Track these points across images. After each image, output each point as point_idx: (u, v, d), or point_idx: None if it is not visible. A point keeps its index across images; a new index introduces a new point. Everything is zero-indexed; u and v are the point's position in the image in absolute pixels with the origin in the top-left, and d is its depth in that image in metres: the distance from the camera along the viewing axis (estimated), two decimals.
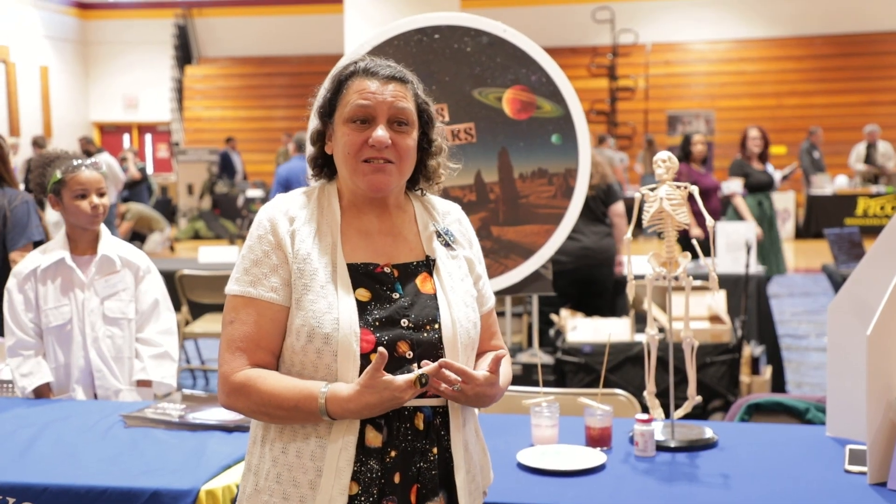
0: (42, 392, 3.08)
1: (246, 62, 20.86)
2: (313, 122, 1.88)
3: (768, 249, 7.65)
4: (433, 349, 1.74)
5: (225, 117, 20.20)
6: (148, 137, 21.88)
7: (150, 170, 19.57)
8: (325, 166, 1.88)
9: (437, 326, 1.75)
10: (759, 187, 7.71)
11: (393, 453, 1.70)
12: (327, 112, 1.83)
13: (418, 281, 1.79)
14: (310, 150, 1.90)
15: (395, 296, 1.75)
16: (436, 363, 1.67)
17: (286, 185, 8.86)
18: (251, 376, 1.71)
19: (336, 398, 1.65)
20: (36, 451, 2.46)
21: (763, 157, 7.74)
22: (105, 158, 12.30)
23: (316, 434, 1.70)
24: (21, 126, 18.30)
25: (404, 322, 1.73)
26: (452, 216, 1.93)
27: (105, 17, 21.48)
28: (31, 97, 19.11)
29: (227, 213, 15.22)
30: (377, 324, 1.72)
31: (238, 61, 20.96)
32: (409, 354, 1.72)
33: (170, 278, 6.02)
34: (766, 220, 7.70)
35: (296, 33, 20.21)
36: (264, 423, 1.77)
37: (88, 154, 12.96)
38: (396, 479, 1.71)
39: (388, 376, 1.63)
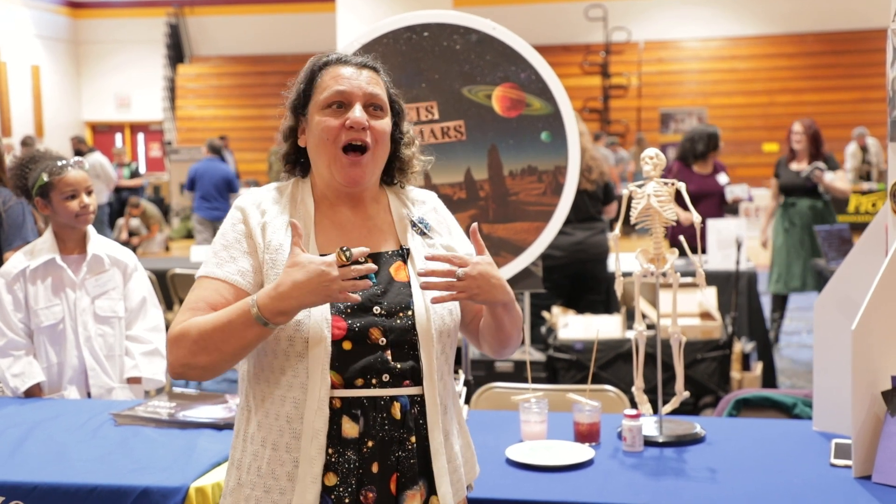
0: (33, 392, 3.07)
1: (238, 61, 20.83)
2: (286, 120, 1.89)
3: (785, 261, 6.86)
4: (406, 335, 1.75)
5: (217, 116, 20.17)
6: (140, 137, 21.85)
7: (142, 169, 19.55)
8: (297, 162, 1.89)
9: (409, 313, 1.76)
10: (785, 190, 6.84)
11: (370, 443, 1.71)
12: (301, 105, 1.85)
13: (392, 269, 1.80)
14: (282, 146, 1.90)
15: (368, 284, 1.76)
16: (363, 250, 1.65)
17: (192, 182, 10.28)
18: (190, 319, 1.70)
19: (264, 293, 1.64)
20: (25, 450, 2.46)
21: (816, 155, 6.73)
22: (97, 158, 12.28)
23: (290, 427, 1.71)
24: (13, 126, 18.26)
25: (376, 309, 1.74)
26: (428, 205, 1.94)
27: (97, 16, 21.43)
28: (23, 97, 19.06)
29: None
30: (349, 310, 1.72)
31: (230, 60, 20.93)
32: (382, 341, 1.73)
33: (162, 277, 6.04)
34: (791, 228, 6.82)
35: (288, 32, 20.19)
36: (246, 417, 1.78)
37: (80, 154, 12.95)
38: (374, 468, 1.71)
39: (310, 255, 1.64)
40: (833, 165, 6.69)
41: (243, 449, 1.77)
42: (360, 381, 1.71)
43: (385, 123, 1.81)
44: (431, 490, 1.76)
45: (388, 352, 1.73)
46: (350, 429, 1.70)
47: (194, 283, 1.79)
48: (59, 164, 3.15)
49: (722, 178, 6.51)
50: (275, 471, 1.72)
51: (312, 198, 1.84)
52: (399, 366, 1.73)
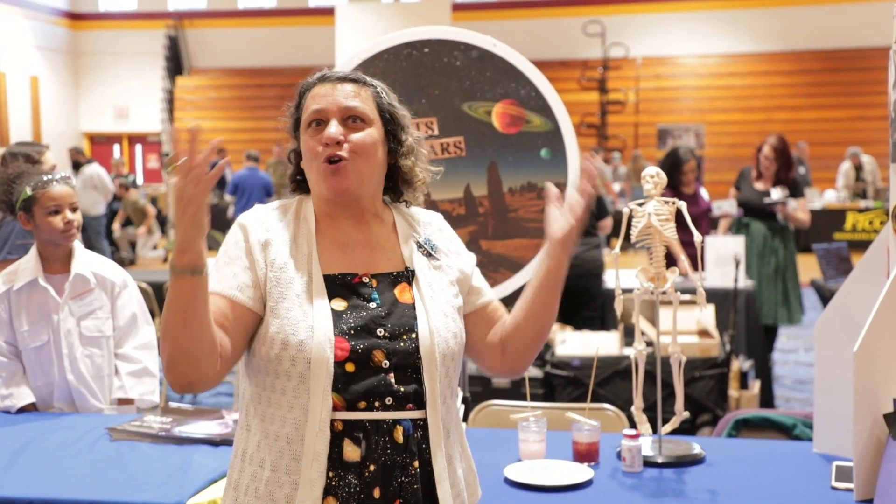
0: (26, 410, 3.02)
1: (237, 73, 20.87)
2: (289, 143, 1.90)
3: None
4: (409, 358, 1.72)
5: (216, 128, 20.16)
6: (138, 148, 21.85)
7: (140, 180, 19.55)
8: (302, 182, 1.88)
9: (413, 336, 1.73)
10: (743, 206, 6.26)
11: (372, 467, 1.68)
12: (294, 127, 1.86)
13: (397, 291, 1.78)
14: (289, 167, 1.91)
15: (372, 305, 1.75)
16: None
17: (235, 189, 11.79)
18: None
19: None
20: (20, 465, 2.44)
21: (784, 179, 6.11)
22: (95, 169, 12.27)
23: (290, 449, 1.69)
24: (11, 137, 18.25)
25: (380, 331, 1.72)
26: (434, 226, 1.92)
27: (96, 27, 21.47)
28: (21, 107, 19.08)
29: (217, 225, 15.06)
30: (352, 332, 1.70)
31: (229, 72, 20.97)
32: (385, 363, 1.71)
33: (158, 290, 6.02)
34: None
35: (287, 45, 20.24)
36: (245, 437, 1.76)
37: (77, 165, 12.94)
38: (376, 493, 1.68)
39: None
40: (797, 192, 6.19)
41: (241, 469, 1.75)
42: (362, 404, 1.69)
43: (365, 134, 1.78)
44: None
45: (392, 374, 1.71)
46: (352, 452, 1.68)
47: None
48: (45, 178, 3.05)
49: (705, 194, 6.27)
50: (273, 493, 1.69)
51: (314, 215, 1.83)
52: (402, 389, 1.70)
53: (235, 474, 1.77)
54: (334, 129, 1.76)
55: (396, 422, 1.70)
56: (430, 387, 1.73)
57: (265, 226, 1.79)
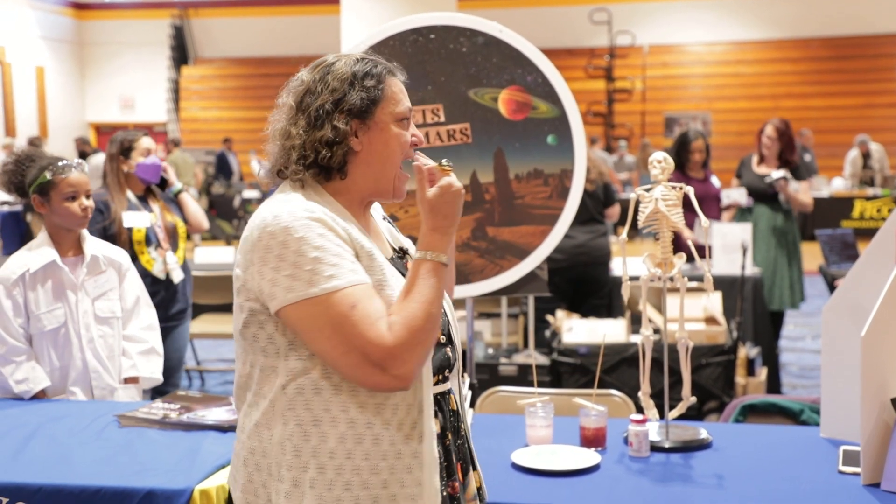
0: (38, 397, 3.05)
1: (242, 63, 20.85)
2: (337, 122, 1.69)
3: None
4: (447, 329, 1.82)
5: (221, 118, 20.19)
6: None
7: None
8: (332, 170, 1.72)
9: (443, 310, 1.79)
10: (749, 193, 6.10)
11: (449, 436, 1.77)
12: (364, 108, 1.71)
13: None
14: (329, 151, 1.70)
15: None
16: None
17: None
18: (396, 316, 1.59)
19: (424, 241, 1.66)
20: (30, 451, 2.45)
21: (787, 161, 5.98)
22: (101, 159, 12.30)
23: (400, 434, 1.65)
24: (17, 127, 18.29)
25: None
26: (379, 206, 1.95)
27: (101, 17, 21.46)
28: (27, 98, 19.08)
29: (223, 214, 15.28)
30: None
31: (234, 62, 20.95)
32: (443, 339, 1.79)
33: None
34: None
35: (292, 34, 20.21)
36: (314, 432, 1.64)
37: (84, 155, 12.96)
38: (453, 459, 1.78)
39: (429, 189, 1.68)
40: (801, 175, 6.03)
41: (319, 466, 1.63)
42: (435, 379, 1.74)
43: None
44: (472, 468, 1.86)
45: (448, 347, 1.80)
46: (435, 425, 1.74)
47: (338, 297, 1.57)
48: (62, 163, 3.11)
49: (716, 181, 6.23)
50: (385, 481, 1.64)
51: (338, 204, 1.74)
52: (453, 359, 1.81)
53: (311, 474, 1.63)
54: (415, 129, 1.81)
55: (449, 390, 1.81)
56: (458, 353, 1.84)
57: (329, 215, 1.66)
